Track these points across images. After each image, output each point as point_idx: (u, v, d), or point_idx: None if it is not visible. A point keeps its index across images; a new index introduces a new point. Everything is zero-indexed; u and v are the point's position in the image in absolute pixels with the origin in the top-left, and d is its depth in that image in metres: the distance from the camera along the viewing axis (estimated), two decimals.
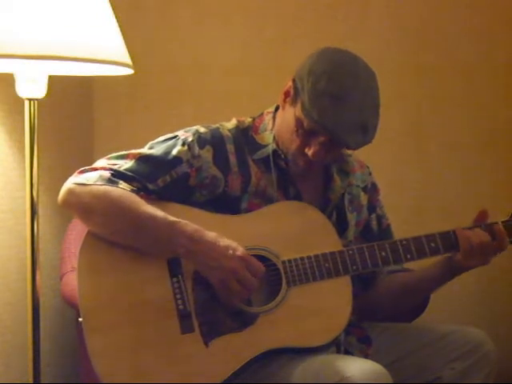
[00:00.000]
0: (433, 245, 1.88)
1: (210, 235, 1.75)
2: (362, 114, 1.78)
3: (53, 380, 2.40)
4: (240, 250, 1.75)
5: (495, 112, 2.85)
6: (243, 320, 1.79)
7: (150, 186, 1.81)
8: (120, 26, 1.91)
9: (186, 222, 1.76)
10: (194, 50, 2.86)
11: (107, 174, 1.79)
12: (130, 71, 1.96)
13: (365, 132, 1.79)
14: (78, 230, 2.17)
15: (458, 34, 2.84)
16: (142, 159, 1.83)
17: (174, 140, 1.87)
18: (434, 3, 2.85)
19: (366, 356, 1.89)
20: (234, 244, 1.75)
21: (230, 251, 1.74)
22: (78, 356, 2.20)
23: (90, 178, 1.78)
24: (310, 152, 1.82)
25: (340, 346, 1.88)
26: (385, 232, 2.05)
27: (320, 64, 1.79)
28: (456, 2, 2.84)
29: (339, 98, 1.75)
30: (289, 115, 1.86)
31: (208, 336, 1.77)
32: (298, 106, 1.81)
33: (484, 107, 2.85)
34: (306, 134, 1.82)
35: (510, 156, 2.84)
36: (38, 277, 1.92)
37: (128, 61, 1.91)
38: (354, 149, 1.85)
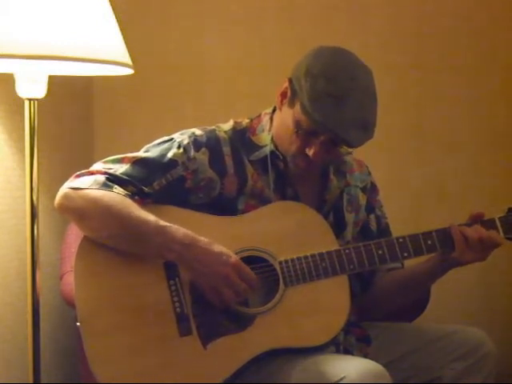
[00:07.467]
0: (429, 242, 1.88)
1: (203, 241, 1.75)
2: (362, 112, 1.78)
3: (53, 380, 2.40)
4: (233, 257, 1.75)
5: (495, 112, 2.85)
6: (241, 321, 1.79)
7: (146, 190, 1.81)
8: (120, 26, 1.91)
9: (177, 226, 1.75)
10: (194, 50, 2.86)
11: (102, 178, 1.79)
12: (130, 71, 1.96)
13: (365, 129, 1.79)
14: (77, 230, 2.16)
15: (458, 34, 2.84)
16: (138, 163, 1.83)
17: (169, 143, 1.87)
18: (434, 3, 2.85)
19: (365, 355, 1.89)
20: (227, 251, 1.75)
21: (224, 257, 1.74)
22: (78, 356, 2.20)
23: (85, 182, 1.78)
24: (310, 152, 1.82)
25: (339, 346, 1.88)
26: (384, 232, 2.05)
27: (317, 64, 1.78)
28: (456, 2, 2.84)
29: (339, 97, 1.75)
30: (287, 116, 1.85)
31: (206, 338, 1.76)
32: (297, 107, 1.80)
33: (484, 107, 2.85)
34: (305, 134, 1.81)
35: (510, 156, 2.85)
36: (37, 277, 1.91)
37: (128, 61, 1.91)
38: (356, 146, 1.84)
